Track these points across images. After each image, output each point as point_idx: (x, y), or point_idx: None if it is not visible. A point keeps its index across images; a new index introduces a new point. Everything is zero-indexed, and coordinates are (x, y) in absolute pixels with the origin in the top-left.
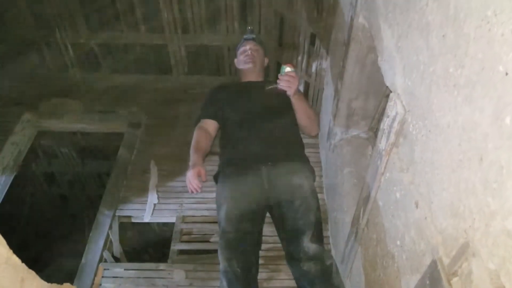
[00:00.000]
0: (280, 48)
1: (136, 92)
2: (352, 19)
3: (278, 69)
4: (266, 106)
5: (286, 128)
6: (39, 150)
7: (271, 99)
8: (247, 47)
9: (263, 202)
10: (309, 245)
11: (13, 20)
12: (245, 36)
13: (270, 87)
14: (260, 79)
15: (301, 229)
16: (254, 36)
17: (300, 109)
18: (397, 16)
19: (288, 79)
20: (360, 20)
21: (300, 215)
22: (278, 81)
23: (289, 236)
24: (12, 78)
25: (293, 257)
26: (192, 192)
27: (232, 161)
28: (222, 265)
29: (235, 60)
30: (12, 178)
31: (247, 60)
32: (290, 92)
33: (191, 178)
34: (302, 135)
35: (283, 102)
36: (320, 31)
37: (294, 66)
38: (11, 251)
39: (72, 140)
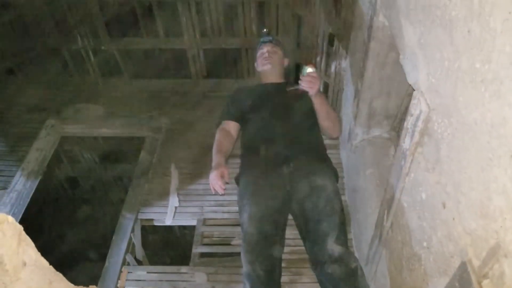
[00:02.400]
0: (298, 49)
1: (156, 97)
2: (371, 18)
3: (297, 70)
4: (288, 107)
5: (307, 129)
6: (62, 155)
7: (293, 100)
8: (265, 49)
9: (285, 204)
10: (333, 247)
11: (36, 28)
12: (261, 39)
13: (291, 88)
14: (280, 80)
15: (325, 231)
16: (270, 38)
17: (321, 110)
18: (419, 13)
19: (310, 80)
20: (380, 18)
21: (324, 217)
22: (299, 81)
23: (313, 238)
24: (36, 84)
25: (317, 260)
26: (216, 193)
27: (254, 163)
28: (245, 268)
29: (255, 64)
30: (37, 183)
31: (264, 62)
32: (311, 92)
33: (214, 179)
34: (323, 137)
35: (304, 103)
36: (339, 31)
37: (315, 66)
38: (39, 254)
39: (94, 144)
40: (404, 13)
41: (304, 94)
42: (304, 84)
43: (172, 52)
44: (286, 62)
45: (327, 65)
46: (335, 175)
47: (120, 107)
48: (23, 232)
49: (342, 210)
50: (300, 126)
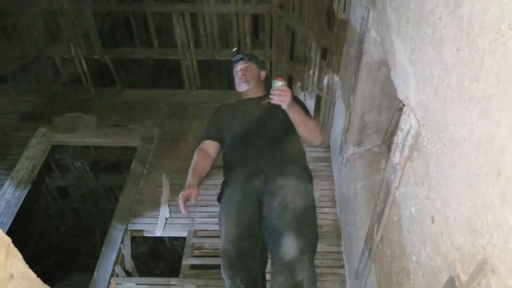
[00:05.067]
0: (291, 63)
1: (149, 107)
2: (363, 33)
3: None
4: (262, 121)
5: (282, 140)
6: (53, 164)
7: (267, 113)
8: (238, 68)
9: (260, 215)
10: (286, 250)
11: (29, 37)
12: (232, 59)
13: (265, 101)
14: (259, 94)
15: (278, 232)
16: (241, 55)
17: (297, 121)
18: (410, 30)
19: (279, 93)
20: (372, 34)
21: (277, 216)
22: (270, 96)
23: (269, 239)
24: (28, 93)
25: (272, 268)
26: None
27: (230, 180)
28: (226, 282)
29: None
30: (26, 192)
31: (239, 82)
32: (284, 105)
33: (180, 201)
34: (312, 148)
35: (279, 114)
36: (332, 45)
37: (285, 80)
38: (27, 266)
39: (86, 154)
40: (395, 30)
41: (278, 106)
42: (275, 98)
43: (166, 63)
44: (263, 74)
45: (320, 79)
46: (303, 176)
47: (112, 117)
48: (11, 245)
49: (304, 210)
50: (275, 138)
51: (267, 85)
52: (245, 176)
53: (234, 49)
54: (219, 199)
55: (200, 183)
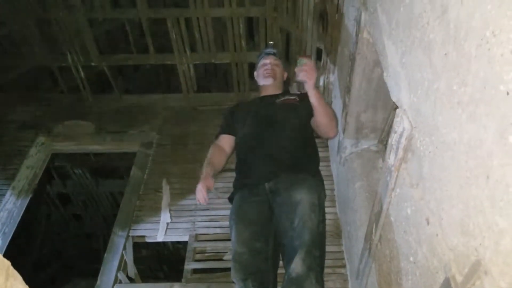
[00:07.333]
0: (287, 64)
1: (147, 112)
2: (357, 35)
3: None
4: (275, 119)
5: (294, 141)
6: (53, 172)
7: (282, 112)
8: (268, 61)
9: (270, 219)
10: (295, 265)
11: (26, 45)
12: (266, 51)
13: (281, 99)
14: (278, 92)
15: (295, 249)
16: (275, 51)
17: (318, 104)
18: (401, 33)
19: (306, 70)
20: (365, 35)
21: (296, 234)
22: (295, 73)
23: (286, 256)
24: (26, 102)
25: (282, 284)
26: (200, 204)
27: (240, 181)
28: (237, 285)
29: (255, 73)
30: (27, 201)
31: (266, 75)
32: (309, 83)
33: (198, 190)
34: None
35: (294, 114)
36: (326, 46)
37: (311, 58)
38: (27, 287)
39: (85, 161)
40: (387, 32)
41: (295, 105)
42: (300, 75)
43: (162, 67)
44: (285, 76)
45: (316, 79)
46: (317, 187)
47: (111, 123)
48: (11, 267)
49: (317, 226)
50: (286, 137)
51: (286, 85)
52: (254, 177)
53: (271, 42)
54: (230, 199)
55: (214, 176)
